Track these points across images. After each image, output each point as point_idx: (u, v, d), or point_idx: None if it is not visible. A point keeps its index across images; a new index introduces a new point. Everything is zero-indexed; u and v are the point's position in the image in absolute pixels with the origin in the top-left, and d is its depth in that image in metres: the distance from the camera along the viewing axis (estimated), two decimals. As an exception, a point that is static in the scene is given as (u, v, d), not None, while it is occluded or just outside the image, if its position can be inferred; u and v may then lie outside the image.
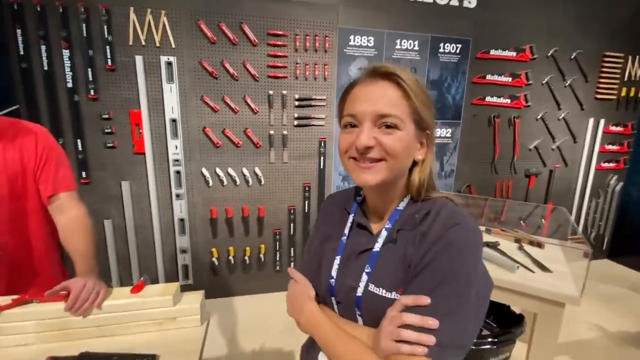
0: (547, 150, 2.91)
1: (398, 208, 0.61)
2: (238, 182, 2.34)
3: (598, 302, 2.56)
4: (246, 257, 2.46)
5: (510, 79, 2.67)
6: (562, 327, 2.17)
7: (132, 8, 1.96)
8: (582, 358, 1.96)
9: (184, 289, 0.96)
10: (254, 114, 2.27)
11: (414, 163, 0.60)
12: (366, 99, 0.55)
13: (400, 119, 0.54)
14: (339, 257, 0.64)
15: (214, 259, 2.39)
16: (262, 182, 2.38)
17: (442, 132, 2.66)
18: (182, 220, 2.28)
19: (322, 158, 2.44)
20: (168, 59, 2.05)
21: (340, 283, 0.62)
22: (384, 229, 0.61)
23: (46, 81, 1.94)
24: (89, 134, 2.05)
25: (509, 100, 2.71)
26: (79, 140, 2.04)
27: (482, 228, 1.75)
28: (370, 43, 2.37)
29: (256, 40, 2.16)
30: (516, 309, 1.65)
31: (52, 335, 0.82)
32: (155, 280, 2.33)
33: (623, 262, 3.21)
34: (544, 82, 2.73)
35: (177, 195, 2.23)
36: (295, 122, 2.34)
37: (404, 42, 2.42)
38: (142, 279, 0.91)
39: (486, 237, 1.65)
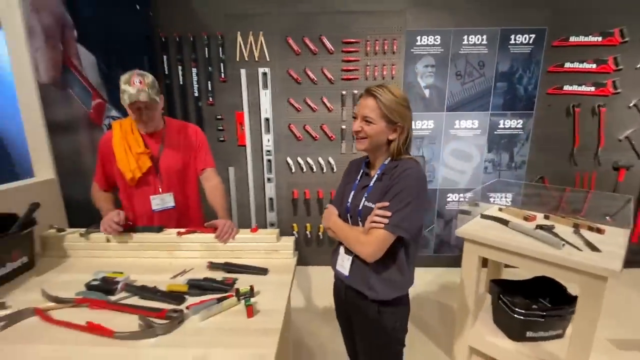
0: (643, 141, 2.65)
1: (384, 163, 1.07)
2: (314, 170, 2.78)
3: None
4: (320, 233, 2.90)
5: (594, 66, 2.52)
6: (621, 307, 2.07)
7: (239, 32, 2.54)
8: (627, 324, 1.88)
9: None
10: (329, 112, 2.67)
11: (392, 140, 1.04)
12: (361, 106, 1.03)
13: (373, 118, 1.00)
14: (353, 191, 1.12)
15: (294, 232, 2.89)
16: (334, 170, 2.78)
17: (512, 124, 2.67)
18: (271, 199, 2.83)
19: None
20: (264, 70, 2.59)
21: (352, 204, 1.10)
22: (375, 174, 1.08)
23: (181, 92, 2.66)
24: (208, 130, 2.71)
25: (592, 88, 2.56)
26: (200, 136, 2.72)
27: (540, 215, 1.83)
28: (437, 41, 2.54)
29: (332, 49, 2.54)
30: (573, 292, 1.72)
31: (206, 253, 1.33)
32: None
33: None
34: (638, 66, 2.50)
35: (268, 179, 2.78)
36: (365, 118, 2.66)
37: (472, 38, 2.52)
38: (256, 225, 1.37)
39: (542, 222, 1.75)
